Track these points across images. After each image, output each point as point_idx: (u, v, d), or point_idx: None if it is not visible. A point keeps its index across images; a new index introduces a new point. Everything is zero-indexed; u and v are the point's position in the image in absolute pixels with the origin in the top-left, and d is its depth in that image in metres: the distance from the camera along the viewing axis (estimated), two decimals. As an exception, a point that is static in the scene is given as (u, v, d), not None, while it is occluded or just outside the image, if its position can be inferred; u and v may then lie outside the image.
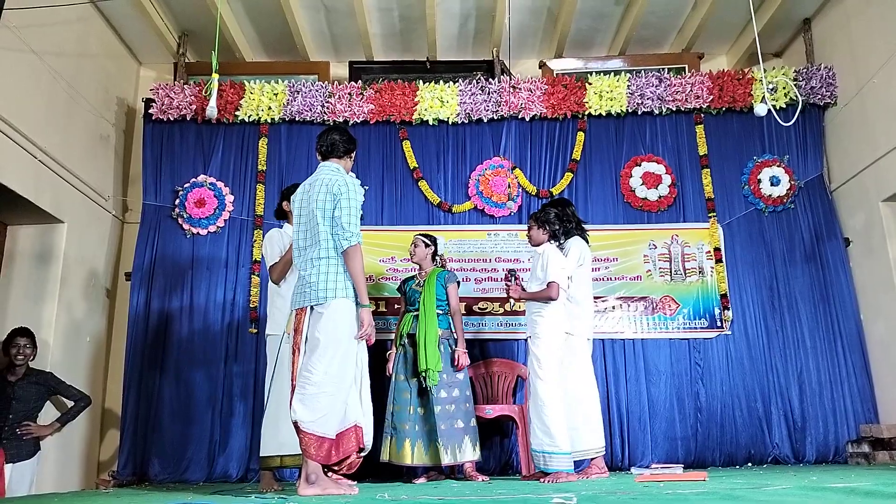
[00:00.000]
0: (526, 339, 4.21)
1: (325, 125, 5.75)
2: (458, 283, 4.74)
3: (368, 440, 3.30)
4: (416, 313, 4.53)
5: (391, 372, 4.54)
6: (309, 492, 3.02)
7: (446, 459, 4.25)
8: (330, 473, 3.25)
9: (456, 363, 4.44)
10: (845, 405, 5.19)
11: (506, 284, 4.32)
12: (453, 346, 4.52)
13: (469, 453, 4.33)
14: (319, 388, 3.10)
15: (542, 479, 3.88)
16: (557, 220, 4.26)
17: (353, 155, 3.56)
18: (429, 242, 4.69)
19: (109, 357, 5.72)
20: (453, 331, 4.58)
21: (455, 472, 4.57)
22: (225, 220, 5.63)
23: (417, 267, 4.74)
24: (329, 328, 3.16)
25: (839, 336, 5.33)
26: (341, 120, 5.74)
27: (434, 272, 4.63)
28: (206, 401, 5.26)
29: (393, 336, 5.29)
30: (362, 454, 3.32)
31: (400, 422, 4.37)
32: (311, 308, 3.23)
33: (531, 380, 4.04)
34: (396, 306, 5.44)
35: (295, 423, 3.10)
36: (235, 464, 5.10)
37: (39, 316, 4.95)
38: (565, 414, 3.97)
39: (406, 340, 4.53)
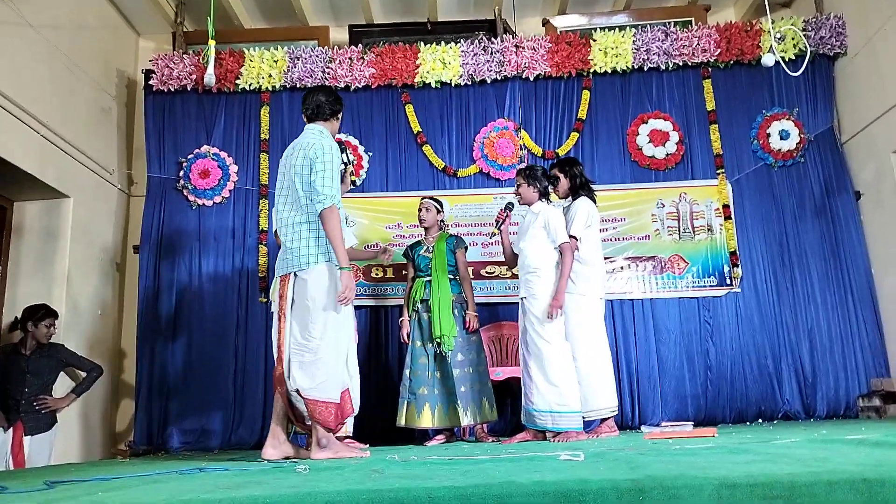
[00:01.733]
0: (521, 299, 4.19)
1: (327, 91, 5.71)
2: (466, 247, 4.73)
3: (356, 403, 3.37)
4: (427, 279, 4.52)
5: (406, 339, 4.53)
6: (322, 455, 3.06)
7: (466, 420, 4.29)
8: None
9: (468, 326, 4.45)
10: (856, 360, 5.17)
11: (499, 216, 4.36)
12: (466, 310, 4.53)
13: (487, 413, 4.38)
14: (316, 355, 3.11)
15: (552, 439, 3.90)
16: (545, 178, 4.26)
17: (339, 116, 3.50)
18: (440, 207, 4.67)
19: (122, 329, 5.77)
20: (464, 294, 4.58)
21: (466, 435, 4.61)
22: (230, 191, 5.62)
23: (423, 232, 4.72)
24: (316, 294, 3.15)
25: (850, 291, 5.29)
26: (342, 85, 5.68)
27: (442, 237, 4.62)
28: (219, 370, 5.30)
29: (401, 302, 5.31)
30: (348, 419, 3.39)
31: (418, 387, 4.38)
32: (295, 275, 3.22)
33: (531, 339, 4.03)
34: (403, 272, 5.44)
35: (297, 392, 3.11)
36: (250, 431, 5.16)
37: (49, 290, 4.98)
38: (574, 373, 3.98)
39: (420, 306, 4.52)
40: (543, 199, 4.26)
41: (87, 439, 5.25)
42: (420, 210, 4.67)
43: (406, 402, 4.38)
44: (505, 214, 4.38)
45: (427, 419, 4.33)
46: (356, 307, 5.28)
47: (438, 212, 4.65)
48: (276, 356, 3.23)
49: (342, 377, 3.22)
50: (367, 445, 4.37)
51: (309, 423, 3.20)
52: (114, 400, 5.64)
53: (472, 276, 4.89)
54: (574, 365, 4.06)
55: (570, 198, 4.42)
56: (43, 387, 4.50)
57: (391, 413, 4.51)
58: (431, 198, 4.74)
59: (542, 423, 3.94)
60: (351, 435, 4.48)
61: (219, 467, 2.70)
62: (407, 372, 4.45)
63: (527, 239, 4.20)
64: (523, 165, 5.45)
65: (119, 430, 5.64)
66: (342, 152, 3.96)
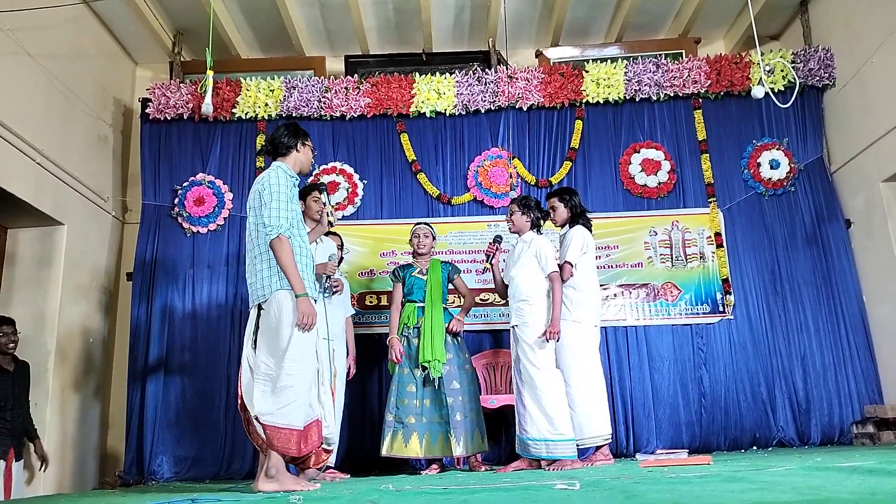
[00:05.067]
0: (512, 328, 4.20)
1: (323, 120, 5.77)
2: (460, 271, 4.76)
3: (331, 435, 3.29)
4: (419, 305, 4.49)
5: (399, 359, 4.40)
6: (268, 487, 2.99)
7: (458, 451, 4.22)
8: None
9: (449, 327, 4.40)
10: (849, 387, 5.18)
11: (489, 250, 4.40)
12: (460, 337, 4.52)
13: (479, 444, 4.33)
14: (276, 383, 3.07)
15: (547, 467, 3.88)
16: (539, 209, 4.28)
17: (299, 148, 3.42)
18: (434, 233, 4.68)
19: (113, 357, 5.74)
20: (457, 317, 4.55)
21: (460, 464, 4.57)
22: (224, 218, 5.64)
23: (413, 255, 4.67)
24: (274, 322, 3.15)
25: (842, 318, 5.32)
26: (338, 115, 5.74)
27: (436, 263, 4.60)
28: (211, 399, 5.27)
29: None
30: (329, 449, 3.32)
31: (406, 415, 4.31)
32: (260, 307, 3.24)
33: (524, 368, 4.03)
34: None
35: (255, 418, 3.06)
36: (242, 461, 5.11)
37: (42, 318, 4.97)
38: (566, 400, 3.97)
39: (410, 332, 4.47)
40: (534, 230, 4.28)
41: (77, 468, 5.19)
42: (418, 236, 4.60)
43: (392, 431, 4.30)
44: (494, 248, 4.40)
45: (415, 448, 4.26)
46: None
47: (434, 238, 4.66)
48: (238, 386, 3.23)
49: (307, 407, 3.15)
50: (349, 475, 4.34)
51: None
52: (104, 428, 5.58)
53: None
54: (567, 392, 4.06)
55: (566, 226, 4.44)
56: (23, 406, 4.43)
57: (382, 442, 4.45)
58: (426, 223, 4.74)
59: (536, 452, 3.93)
60: (333, 465, 4.43)
61: (211, 498, 2.67)
62: (393, 399, 4.36)
63: (517, 267, 4.21)
64: (517, 195, 5.50)
65: (109, 459, 5.57)
66: (322, 192, 4.00)
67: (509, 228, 4.37)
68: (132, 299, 5.46)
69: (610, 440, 4.22)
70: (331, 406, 3.38)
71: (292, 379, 3.08)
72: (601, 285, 5.19)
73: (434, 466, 4.39)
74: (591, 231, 4.42)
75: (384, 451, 4.29)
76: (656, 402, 5.24)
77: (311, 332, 3.20)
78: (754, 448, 5.09)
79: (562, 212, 4.42)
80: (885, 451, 3.94)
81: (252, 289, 3.26)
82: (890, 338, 5.11)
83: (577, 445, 4.03)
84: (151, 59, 6.40)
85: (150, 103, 5.74)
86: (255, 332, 3.23)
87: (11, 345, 4.40)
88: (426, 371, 4.31)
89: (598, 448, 4.17)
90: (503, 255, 4.56)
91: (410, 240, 4.67)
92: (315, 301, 3.29)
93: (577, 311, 4.21)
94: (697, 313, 5.42)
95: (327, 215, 3.95)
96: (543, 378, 3.95)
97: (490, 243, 4.45)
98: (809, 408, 5.17)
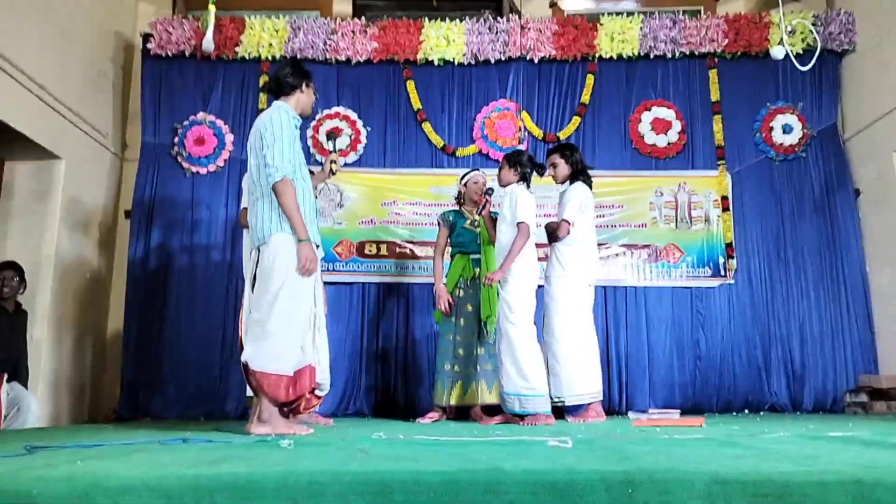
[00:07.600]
0: (498, 283, 4.16)
1: (328, 63, 5.63)
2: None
3: (323, 379, 3.30)
4: (474, 256, 4.47)
5: (448, 310, 4.39)
6: (260, 430, 2.98)
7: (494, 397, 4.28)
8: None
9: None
10: (845, 355, 5.19)
11: (479, 200, 4.36)
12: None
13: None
14: (265, 326, 3.02)
15: (521, 422, 3.86)
16: (530, 164, 4.16)
17: (303, 89, 3.32)
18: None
19: (110, 293, 5.72)
20: None
21: (451, 413, 4.57)
22: (225, 160, 5.56)
23: (458, 204, 4.62)
24: (268, 265, 3.08)
25: (843, 287, 5.29)
26: (343, 59, 5.60)
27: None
28: (207, 339, 5.27)
29: (392, 279, 5.30)
30: (320, 394, 3.33)
31: (466, 365, 4.36)
32: (258, 249, 3.16)
33: (501, 323, 3.98)
34: (399, 250, 5.41)
35: (245, 365, 3.03)
36: (234, 401, 5.13)
37: (38, 251, 4.93)
38: (540, 355, 3.96)
39: (469, 284, 4.46)
40: (521, 183, 4.16)
41: (72, 402, 5.22)
42: (476, 182, 4.51)
43: (451, 380, 4.33)
44: (485, 199, 4.30)
45: (473, 396, 4.33)
46: (349, 283, 5.31)
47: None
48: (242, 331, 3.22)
49: (298, 352, 3.10)
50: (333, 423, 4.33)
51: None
52: (100, 364, 5.59)
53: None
54: (557, 348, 4.08)
55: (567, 182, 4.37)
56: (20, 349, 4.43)
57: (383, 387, 4.46)
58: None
59: (510, 406, 3.92)
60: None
61: (202, 438, 2.67)
62: (450, 349, 4.37)
63: (500, 222, 4.15)
64: (522, 147, 5.40)
65: (104, 394, 5.60)
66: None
67: (499, 183, 4.27)
68: (129, 237, 5.42)
69: (601, 397, 4.23)
70: (326, 351, 3.36)
71: (282, 324, 3.02)
72: (603, 244, 5.15)
73: (431, 414, 4.40)
74: (591, 188, 4.35)
75: (444, 401, 4.32)
76: (651, 363, 5.25)
77: (310, 280, 3.15)
78: (746, 411, 5.12)
79: (562, 168, 4.35)
80: (878, 421, 3.95)
81: (253, 231, 3.20)
82: (889, 309, 5.09)
83: (565, 402, 4.04)
84: (154, -7, 6.22)
85: (152, 39, 5.60)
86: (255, 275, 3.19)
87: (7, 289, 4.37)
88: (485, 325, 4.32)
89: (589, 405, 4.18)
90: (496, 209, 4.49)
91: (466, 185, 4.55)
92: (318, 246, 3.24)
93: (571, 269, 4.18)
94: (699, 276, 5.38)
95: (331, 163, 3.85)
96: (518, 333, 3.89)
97: (480, 195, 4.37)
98: (804, 374, 5.18)
